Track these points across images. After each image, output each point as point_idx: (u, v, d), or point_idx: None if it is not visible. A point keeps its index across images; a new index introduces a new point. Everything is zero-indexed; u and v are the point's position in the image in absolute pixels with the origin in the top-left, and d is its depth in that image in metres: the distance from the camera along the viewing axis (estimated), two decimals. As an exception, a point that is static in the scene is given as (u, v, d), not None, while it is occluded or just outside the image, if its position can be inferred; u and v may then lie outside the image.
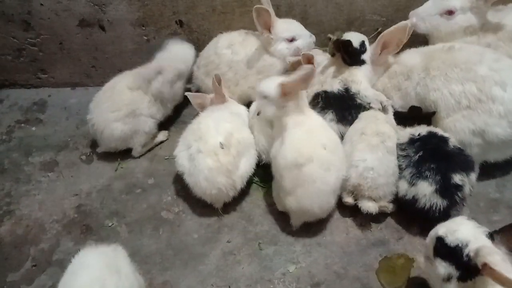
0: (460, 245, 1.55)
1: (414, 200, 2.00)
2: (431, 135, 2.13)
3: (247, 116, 2.44)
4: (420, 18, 2.37)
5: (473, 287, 1.52)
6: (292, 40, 2.48)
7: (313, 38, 2.54)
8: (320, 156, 1.99)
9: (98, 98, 2.53)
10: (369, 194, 2.06)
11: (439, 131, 2.15)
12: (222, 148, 2.15)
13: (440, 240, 1.62)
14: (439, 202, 1.95)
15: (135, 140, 2.53)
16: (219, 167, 2.12)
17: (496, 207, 2.18)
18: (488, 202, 2.20)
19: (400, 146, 2.15)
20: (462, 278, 1.55)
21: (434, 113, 2.22)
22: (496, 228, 1.60)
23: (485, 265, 1.43)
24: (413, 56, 2.34)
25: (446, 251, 1.59)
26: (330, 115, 2.27)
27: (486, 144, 2.13)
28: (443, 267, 1.60)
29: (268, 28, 2.43)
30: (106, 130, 2.46)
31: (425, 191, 1.97)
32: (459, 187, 1.96)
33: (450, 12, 2.32)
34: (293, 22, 2.53)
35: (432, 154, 2.03)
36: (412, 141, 2.13)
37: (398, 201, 2.11)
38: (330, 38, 2.43)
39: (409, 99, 2.32)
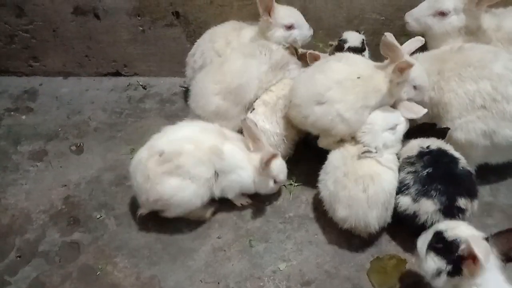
0: (457, 240, 1.56)
1: (415, 216, 1.94)
2: (442, 153, 2.03)
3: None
4: (414, 19, 2.36)
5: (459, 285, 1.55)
6: (290, 27, 2.42)
7: (311, 31, 2.48)
8: None
9: None
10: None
11: (450, 149, 2.05)
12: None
13: (437, 234, 1.63)
14: (440, 220, 1.87)
15: None
16: None
17: (490, 211, 2.17)
18: (482, 206, 2.16)
19: (408, 160, 2.05)
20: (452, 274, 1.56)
21: (448, 129, 2.11)
22: (489, 232, 1.59)
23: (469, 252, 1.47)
24: (423, 62, 2.22)
25: (442, 245, 1.60)
26: None
27: (493, 147, 2.07)
28: (434, 262, 1.61)
29: (269, 12, 2.38)
30: None
31: (428, 209, 1.91)
32: (461, 210, 1.91)
33: (442, 14, 2.29)
34: (294, 10, 2.48)
35: (441, 175, 1.95)
36: (421, 154, 2.03)
37: (397, 215, 2.04)
38: (331, 45, 2.46)
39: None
